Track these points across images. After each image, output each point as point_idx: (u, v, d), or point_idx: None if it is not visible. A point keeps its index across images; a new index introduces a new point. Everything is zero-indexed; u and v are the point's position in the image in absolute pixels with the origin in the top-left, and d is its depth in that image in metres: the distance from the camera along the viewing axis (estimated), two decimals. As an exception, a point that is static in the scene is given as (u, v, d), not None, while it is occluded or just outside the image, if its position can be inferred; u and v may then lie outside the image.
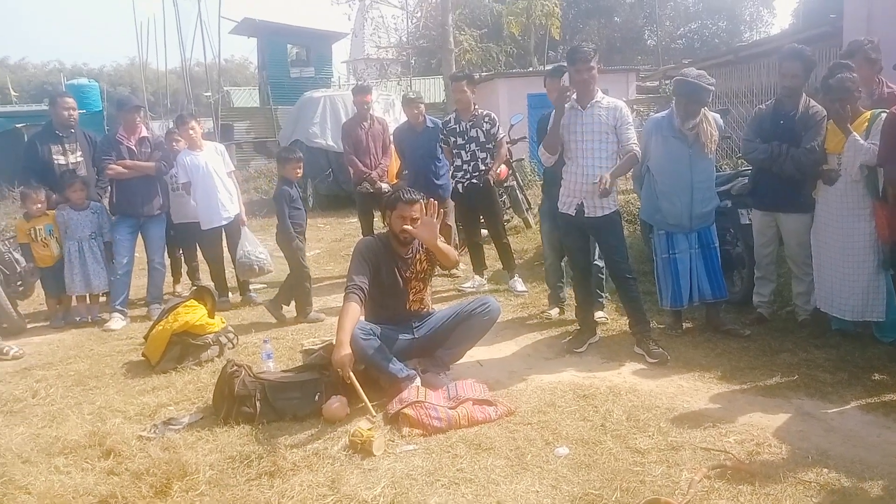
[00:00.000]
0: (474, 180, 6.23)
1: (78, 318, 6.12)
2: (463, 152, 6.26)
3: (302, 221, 5.93)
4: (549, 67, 6.00)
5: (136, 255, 6.44)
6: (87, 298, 6.18)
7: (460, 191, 6.35)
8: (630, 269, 4.68)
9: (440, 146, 6.51)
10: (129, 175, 6.06)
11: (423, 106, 6.68)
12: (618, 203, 4.63)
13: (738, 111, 9.73)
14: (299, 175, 5.98)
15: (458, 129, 6.27)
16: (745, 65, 10.85)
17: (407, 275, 4.18)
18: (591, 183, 4.42)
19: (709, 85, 4.49)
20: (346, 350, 3.70)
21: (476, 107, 6.30)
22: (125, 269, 6.09)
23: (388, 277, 4.12)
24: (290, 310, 6.13)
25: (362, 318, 4.06)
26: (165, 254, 6.61)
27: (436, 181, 6.53)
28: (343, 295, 3.95)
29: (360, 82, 16.90)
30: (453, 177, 6.42)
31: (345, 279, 6.96)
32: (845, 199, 4.36)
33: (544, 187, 5.63)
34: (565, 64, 4.74)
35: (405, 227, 4.02)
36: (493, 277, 6.80)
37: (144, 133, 6.26)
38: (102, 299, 6.31)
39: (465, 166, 6.27)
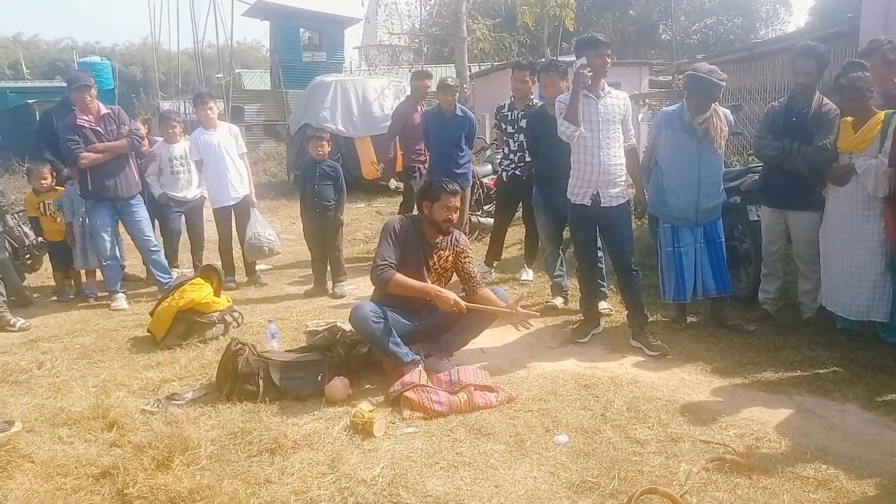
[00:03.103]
0: (518, 171, 6.13)
1: (87, 292, 6.15)
2: (511, 141, 6.17)
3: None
4: (541, 64, 5.94)
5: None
6: (97, 273, 6.21)
7: (504, 179, 6.30)
8: (635, 260, 4.68)
9: (494, 130, 6.48)
10: (104, 159, 5.71)
11: (458, 94, 6.59)
12: (628, 194, 4.62)
13: (751, 108, 9.66)
14: (322, 154, 6.08)
15: (509, 117, 6.17)
16: (760, 62, 10.77)
17: (430, 263, 4.19)
18: (607, 173, 4.45)
19: (720, 80, 4.46)
20: (445, 292, 3.96)
21: (533, 97, 6.16)
22: (111, 254, 5.90)
23: (412, 261, 4.14)
24: (306, 281, 6.33)
25: (374, 302, 4.10)
26: (153, 233, 6.33)
27: (456, 170, 6.43)
28: (376, 274, 4.00)
29: (371, 69, 16.77)
30: (500, 164, 6.37)
31: (354, 263, 7.19)
32: (855, 199, 4.34)
33: (536, 180, 5.62)
34: (558, 61, 4.74)
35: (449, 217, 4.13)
36: (499, 266, 6.80)
37: (104, 110, 5.83)
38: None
39: (511, 156, 6.18)
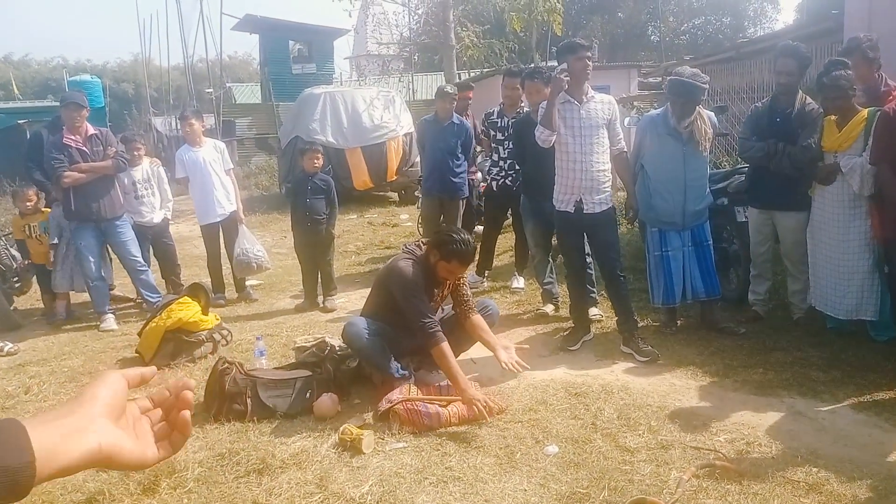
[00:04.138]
0: (508, 181, 6.10)
1: (59, 314, 6.05)
2: (500, 148, 6.15)
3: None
4: (526, 70, 5.92)
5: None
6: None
7: (494, 189, 6.27)
8: (622, 266, 4.67)
9: (480, 136, 6.44)
10: (87, 179, 5.68)
11: (455, 102, 6.55)
12: (613, 200, 4.61)
13: (739, 108, 9.67)
14: (316, 167, 6.06)
15: (499, 124, 6.16)
16: (747, 61, 10.78)
17: (435, 299, 4.12)
18: (591, 179, 4.43)
19: (703, 83, 4.47)
20: (474, 391, 3.64)
21: (523, 104, 6.11)
22: (97, 275, 5.87)
23: None
24: (298, 296, 6.26)
25: (366, 318, 4.06)
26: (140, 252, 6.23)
27: (452, 179, 6.39)
28: (427, 335, 3.75)
29: (360, 79, 16.79)
30: (489, 172, 6.31)
31: (345, 276, 7.16)
32: (841, 198, 4.34)
33: (524, 187, 5.60)
34: (543, 67, 4.70)
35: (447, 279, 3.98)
36: (490, 274, 6.77)
37: (92, 131, 5.82)
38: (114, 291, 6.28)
39: (500, 163, 6.16)
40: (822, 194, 4.46)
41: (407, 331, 4.09)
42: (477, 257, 6.57)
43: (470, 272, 6.64)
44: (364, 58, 25.09)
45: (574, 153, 4.47)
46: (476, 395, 3.60)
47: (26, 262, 6.07)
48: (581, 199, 4.50)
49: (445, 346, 3.75)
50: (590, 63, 4.42)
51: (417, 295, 3.85)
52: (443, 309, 4.27)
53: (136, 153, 6.57)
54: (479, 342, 4.14)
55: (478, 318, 4.08)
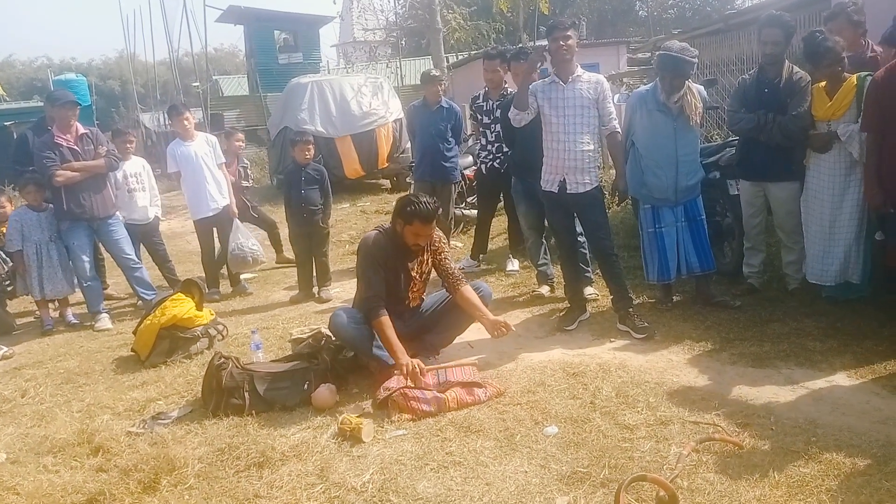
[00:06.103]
0: (496, 163, 6.13)
1: (47, 324, 5.84)
2: (488, 132, 6.16)
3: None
4: (511, 52, 5.90)
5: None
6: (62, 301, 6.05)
7: (483, 171, 6.30)
8: (612, 245, 4.67)
9: (471, 122, 6.43)
10: (80, 178, 5.63)
11: (443, 85, 6.53)
12: (600, 179, 4.59)
13: (728, 80, 9.61)
14: (308, 158, 6.02)
15: (484, 108, 6.17)
16: (736, 33, 10.70)
17: (412, 273, 4.12)
18: (574, 159, 4.43)
19: (692, 57, 4.43)
20: (407, 359, 3.72)
21: (507, 86, 6.10)
22: (91, 275, 5.83)
23: (392, 275, 4.04)
24: (293, 287, 6.27)
25: (352, 307, 4.05)
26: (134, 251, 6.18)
27: (444, 163, 6.41)
28: (368, 309, 3.87)
29: (348, 66, 16.60)
30: (478, 156, 6.32)
31: (339, 265, 7.13)
32: (838, 165, 4.34)
33: (514, 169, 5.58)
34: (528, 48, 4.70)
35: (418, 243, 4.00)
36: (485, 257, 6.76)
37: (82, 130, 5.76)
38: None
39: (489, 147, 6.17)
40: (817, 163, 4.45)
41: (398, 318, 4.08)
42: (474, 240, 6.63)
43: (465, 257, 6.65)
44: (351, 45, 24.93)
45: (558, 133, 4.48)
46: (407, 361, 3.69)
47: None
48: (564, 179, 4.51)
49: (384, 319, 3.84)
50: (564, 44, 4.38)
51: (372, 267, 3.95)
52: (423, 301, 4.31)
53: (128, 146, 6.51)
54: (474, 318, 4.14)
55: (468, 290, 4.09)
